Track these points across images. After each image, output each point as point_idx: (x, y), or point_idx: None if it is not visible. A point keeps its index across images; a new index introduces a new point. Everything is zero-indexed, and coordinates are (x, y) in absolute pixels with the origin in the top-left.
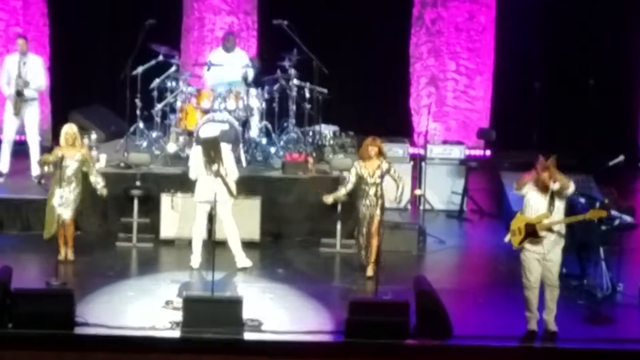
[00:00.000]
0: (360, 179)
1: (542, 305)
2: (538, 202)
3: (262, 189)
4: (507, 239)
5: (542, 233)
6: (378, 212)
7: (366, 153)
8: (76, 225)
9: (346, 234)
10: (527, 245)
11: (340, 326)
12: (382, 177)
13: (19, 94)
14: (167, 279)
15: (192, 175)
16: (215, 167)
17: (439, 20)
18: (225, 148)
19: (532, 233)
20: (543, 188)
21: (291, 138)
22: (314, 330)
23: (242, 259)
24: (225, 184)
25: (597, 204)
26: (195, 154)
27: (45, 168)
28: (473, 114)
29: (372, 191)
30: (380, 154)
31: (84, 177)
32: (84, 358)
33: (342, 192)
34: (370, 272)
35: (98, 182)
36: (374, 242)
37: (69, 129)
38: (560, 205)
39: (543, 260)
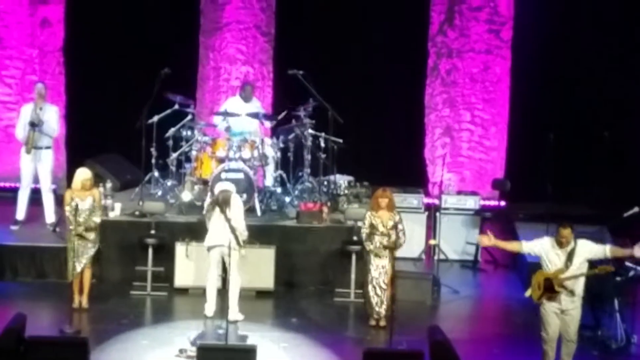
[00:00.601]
0: (372, 228)
1: (557, 357)
2: (555, 258)
3: (277, 238)
4: (527, 293)
5: (558, 288)
6: (389, 263)
7: (376, 204)
8: (91, 273)
9: (360, 283)
10: (546, 300)
11: None
12: (394, 227)
13: (33, 124)
14: (181, 327)
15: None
16: (223, 215)
17: (454, 70)
18: (236, 200)
19: (549, 288)
20: (559, 243)
21: (306, 187)
22: None
23: (235, 312)
24: (234, 232)
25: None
26: (207, 202)
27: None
28: (488, 165)
29: (383, 241)
30: (391, 205)
31: (98, 225)
32: None
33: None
34: (382, 322)
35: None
36: (387, 294)
37: (84, 174)
38: (581, 262)
39: (562, 315)
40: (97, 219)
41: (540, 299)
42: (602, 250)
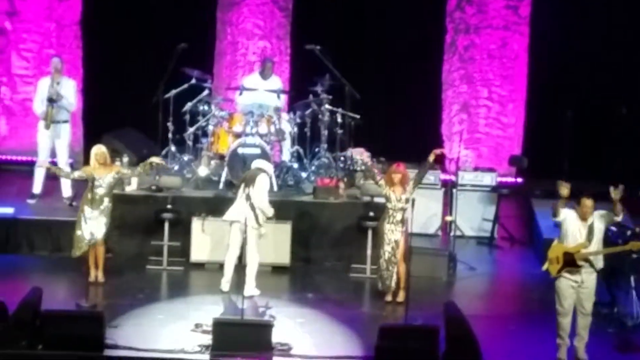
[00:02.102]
0: (387, 201)
1: (573, 333)
2: (577, 231)
3: (293, 214)
4: (544, 267)
5: (580, 262)
6: (402, 237)
7: (390, 179)
8: (107, 248)
9: (376, 259)
10: (565, 273)
11: (369, 351)
12: (407, 202)
13: (51, 100)
14: (197, 302)
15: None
16: (246, 190)
17: (471, 47)
18: (262, 179)
19: (570, 262)
20: (583, 217)
21: (323, 163)
22: (343, 356)
23: (251, 287)
24: (254, 210)
25: (629, 233)
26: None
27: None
28: (505, 141)
29: (398, 216)
30: (405, 180)
31: (113, 199)
32: None
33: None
34: (400, 297)
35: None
36: (401, 269)
37: (98, 150)
38: (599, 234)
39: (578, 288)
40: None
41: (559, 272)
42: (610, 215)
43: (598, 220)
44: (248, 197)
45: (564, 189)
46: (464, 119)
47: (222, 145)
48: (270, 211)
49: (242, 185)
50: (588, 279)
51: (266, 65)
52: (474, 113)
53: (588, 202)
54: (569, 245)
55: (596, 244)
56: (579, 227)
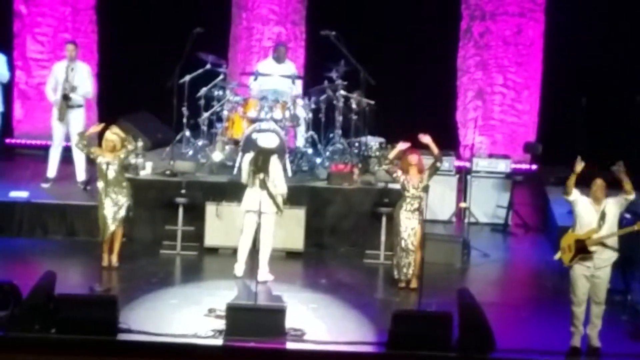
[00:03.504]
0: (404, 189)
1: (586, 321)
2: (589, 215)
3: (307, 199)
4: (557, 256)
5: (593, 248)
6: (419, 225)
7: (406, 164)
8: (122, 232)
9: (390, 246)
10: (579, 260)
11: (382, 337)
12: (424, 190)
13: (66, 97)
14: (211, 287)
15: (243, 179)
16: (260, 177)
17: (487, 33)
18: (275, 161)
19: (582, 249)
20: (595, 200)
21: (337, 149)
22: (356, 341)
23: (264, 273)
24: (272, 196)
25: None
26: (245, 161)
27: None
28: (520, 128)
29: (415, 204)
30: (421, 165)
31: (129, 185)
32: None
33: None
34: (413, 284)
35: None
36: (417, 256)
37: (109, 136)
38: (612, 219)
39: (591, 277)
40: (124, 182)
41: (572, 261)
42: (622, 196)
43: (611, 205)
44: (263, 184)
45: (579, 166)
46: (479, 105)
47: (237, 131)
48: (285, 191)
49: (254, 171)
50: (602, 267)
51: (279, 50)
52: (489, 100)
53: (599, 182)
54: (581, 231)
55: (609, 228)
56: (592, 213)
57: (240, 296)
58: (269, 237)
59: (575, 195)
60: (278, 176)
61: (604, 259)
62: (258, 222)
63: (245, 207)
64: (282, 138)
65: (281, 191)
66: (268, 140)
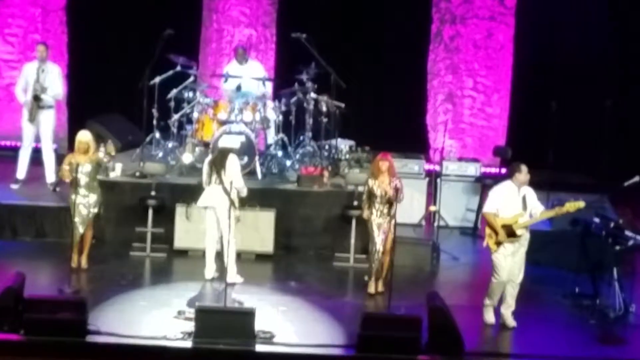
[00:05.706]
0: (371, 195)
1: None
2: (514, 200)
3: (277, 202)
4: (485, 243)
5: (519, 231)
6: (390, 229)
7: (377, 168)
8: (91, 234)
9: (360, 248)
10: (507, 243)
11: (352, 340)
12: (395, 193)
13: (36, 98)
14: (180, 289)
15: (203, 181)
16: (215, 176)
17: (457, 37)
18: (232, 159)
19: (511, 234)
20: (519, 185)
21: (307, 151)
22: (326, 344)
23: (233, 275)
24: (226, 192)
25: (612, 224)
26: (205, 162)
27: (67, 180)
28: (489, 132)
29: (384, 208)
30: (392, 169)
31: (99, 186)
32: None
33: (365, 211)
34: (380, 287)
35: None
36: (386, 259)
37: (82, 137)
38: (531, 204)
39: (513, 257)
40: (95, 183)
41: (498, 245)
42: (538, 208)
43: (530, 193)
44: (220, 181)
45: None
46: (449, 109)
47: (207, 133)
48: (245, 191)
49: (212, 169)
50: (520, 248)
51: (238, 52)
52: (459, 103)
53: (524, 168)
54: (508, 216)
55: (528, 213)
56: (516, 198)
57: (209, 298)
58: (228, 233)
59: (496, 204)
60: (235, 173)
61: (524, 239)
62: (217, 218)
63: (201, 203)
64: (252, 140)
65: (238, 188)
66: (228, 141)
